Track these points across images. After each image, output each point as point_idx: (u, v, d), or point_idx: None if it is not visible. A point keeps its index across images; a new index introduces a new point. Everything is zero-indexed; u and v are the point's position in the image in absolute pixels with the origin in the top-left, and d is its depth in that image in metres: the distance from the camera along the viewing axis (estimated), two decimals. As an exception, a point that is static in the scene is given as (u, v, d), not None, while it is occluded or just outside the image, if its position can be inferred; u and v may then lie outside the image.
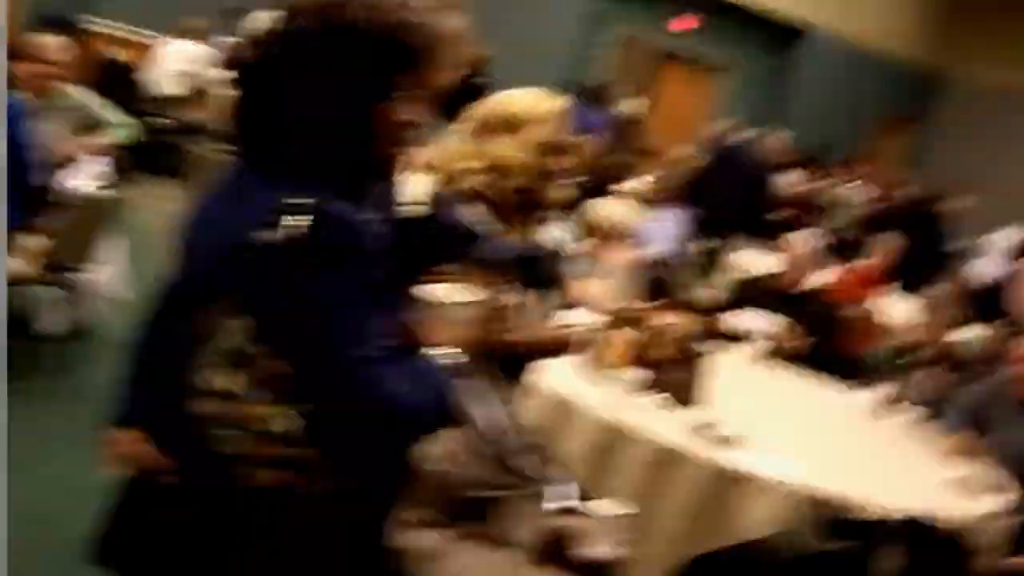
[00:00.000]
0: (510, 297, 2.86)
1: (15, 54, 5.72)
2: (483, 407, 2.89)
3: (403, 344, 2.19)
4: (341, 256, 2.02)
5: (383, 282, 2.10)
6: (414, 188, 3.43)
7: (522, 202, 3.42)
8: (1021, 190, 16.76)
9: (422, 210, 3.03)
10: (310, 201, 2.01)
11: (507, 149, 3.36)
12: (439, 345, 2.30)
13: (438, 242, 2.72)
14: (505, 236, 3.14)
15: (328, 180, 2.12)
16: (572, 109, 3.48)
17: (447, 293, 2.45)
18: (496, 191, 3.36)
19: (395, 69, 2.13)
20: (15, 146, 5.51)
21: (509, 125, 3.40)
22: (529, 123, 3.38)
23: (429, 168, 3.51)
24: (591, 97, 15.12)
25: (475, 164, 3.39)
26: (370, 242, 2.07)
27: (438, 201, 3.26)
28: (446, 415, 2.22)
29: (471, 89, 10.64)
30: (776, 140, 12.11)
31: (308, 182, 2.07)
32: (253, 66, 2.14)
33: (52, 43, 6.26)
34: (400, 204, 2.68)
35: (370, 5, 2.12)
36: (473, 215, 3.20)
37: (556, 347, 3.36)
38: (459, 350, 2.33)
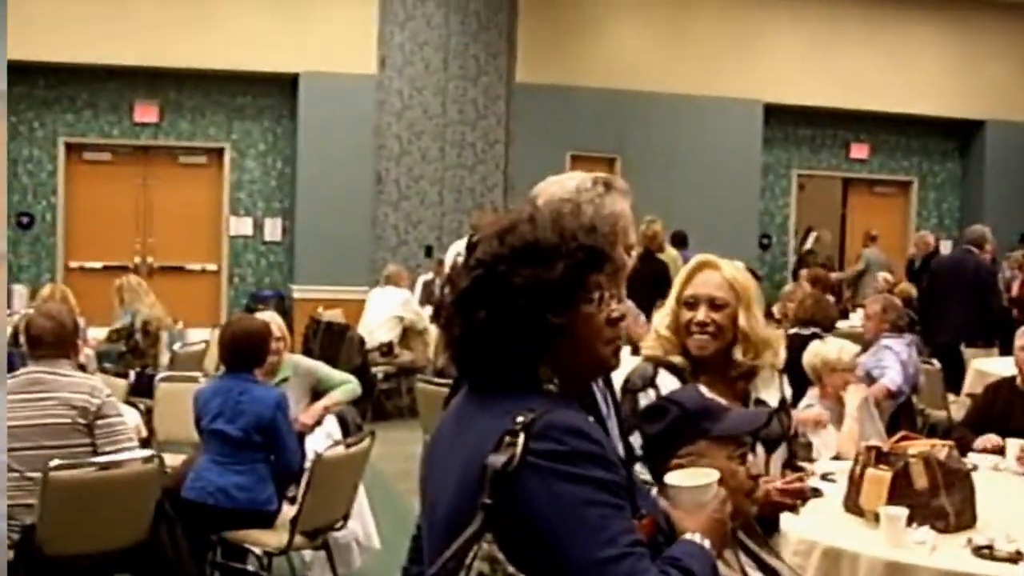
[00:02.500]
0: (753, 465, 2.85)
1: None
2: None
3: (656, 536, 2.20)
4: (567, 463, 2.06)
5: (620, 480, 2.13)
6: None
7: (724, 363, 3.47)
8: None
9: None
10: (527, 417, 2.08)
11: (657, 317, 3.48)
12: (689, 531, 2.30)
13: (677, 421, 2.75)
14: (726, 403, 3.15)
15: (547, 392, 2.20)
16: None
17: (683, 478, 2.45)
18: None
19: (586, 271, 2.20)
20: (278, 433, 5.85)
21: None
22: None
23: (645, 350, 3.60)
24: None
25: (669, 335, 3.50)
26: (592, 443, 2.11)
27: (630, 385, 3.34)
28: None
29: (655, 267, 10.76)
30: (987, 240, 11.84)
31: (529, 398, 2.15)
32: (453, 301, 2.23)
33: (272, 319, 6.64)
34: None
35: (548, 219, 2.22)
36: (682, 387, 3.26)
37: (803, 499, 3.33)
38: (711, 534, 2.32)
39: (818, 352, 6.49)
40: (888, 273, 14.97)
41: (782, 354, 3.61)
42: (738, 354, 3.47)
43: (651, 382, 3.36)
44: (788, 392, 3.60)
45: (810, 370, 6.46)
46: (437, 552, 2.11)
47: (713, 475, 2.44)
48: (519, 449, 2.05)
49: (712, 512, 2.36)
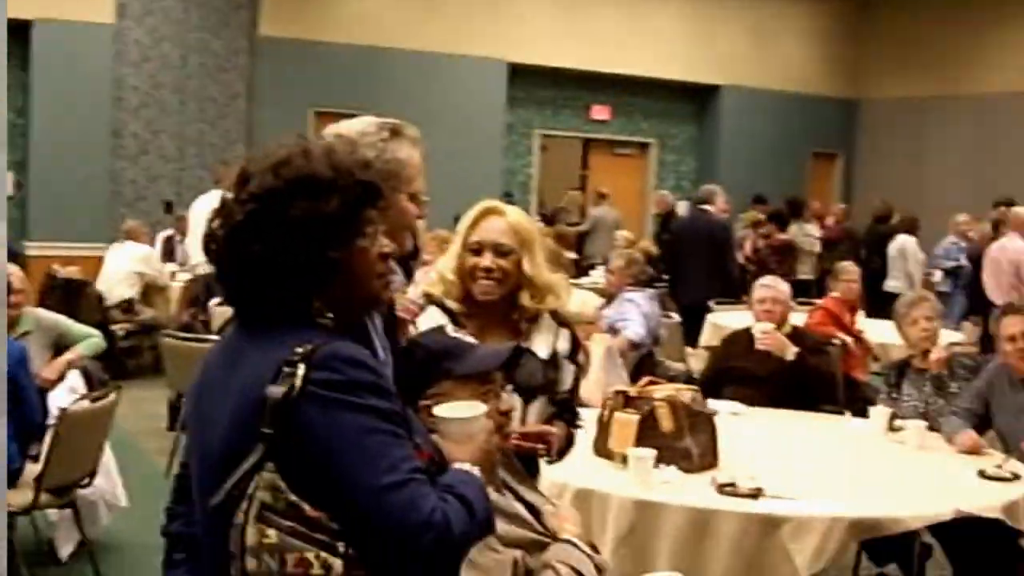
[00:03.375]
0: (508, 401, 2.91)
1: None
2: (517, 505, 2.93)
3: (429, 466, 2.23)
4: (347, 392, 2.09)
5: (398, 409, 2.16)
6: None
7: (502, 310, 3.52)
8: (941, 190, 17.44)
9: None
10: (306, 348, 2.09)
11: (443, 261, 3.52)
12: (459, 460, 2.35)
13: (422, 364, 2.79)
14: (481, 344, 3.20)
15: (321, 325, 2.21)
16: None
17: (452, 410, 2.50)
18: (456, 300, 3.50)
19: (361, 205, 2.22)
20: (18, 388, 5.62)
21: (443, 240, 3.56)
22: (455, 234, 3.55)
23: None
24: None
25: (454, 279, 3.55)
26: (371, 373, 2.14)
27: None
28: (486, 522, 2.26)
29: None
30: (721, 198, 12.29)
31: (304, 331, 2.16)
32: (226, 235, 2.21)
33: (11, 272, 6.40)
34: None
35: (322, 153, 2.22)
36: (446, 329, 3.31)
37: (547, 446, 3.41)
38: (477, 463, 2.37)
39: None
40: (624, 231, 15.40)
41: (564, 298, 3.67)
42: (524, 299, 3.52)
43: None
44: (564, 346, 3.64)
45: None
46: (213, 485, 2.10)
47: (479, 407, 2.49)
48: (299, 380, 2.06)
49: (480, 443, 2.42)
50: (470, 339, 3.19)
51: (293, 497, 2.05)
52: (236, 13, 15.90)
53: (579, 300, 6.74)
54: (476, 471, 2.31)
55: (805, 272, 12.49)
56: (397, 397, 2.18)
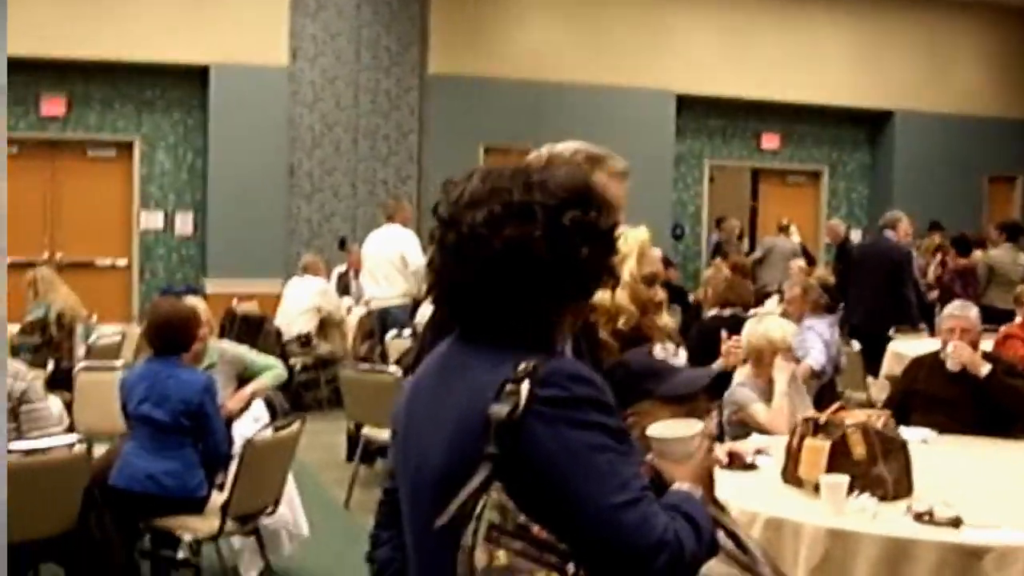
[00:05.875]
0: (709, 425, 2.84)
1: (167, 326, 5.94)
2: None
3: (652, 484, 2.18)
4: (573, 409, 2.04)
5: (623, 426, 2.12)
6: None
7: (631, 338, 3.43)
8: None
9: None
10: (528, 365, 2.05)
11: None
12: (679, 480, 2.29)
13: (621, 384, 2.73)
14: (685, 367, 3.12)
15: (544, 340, 2.16)
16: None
17: (668, 428, 2.43)
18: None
19: (585, 212, 2.17)
20: (206, 418, 5.73)
21: None
22: (620, 262, 3.43)
23: None
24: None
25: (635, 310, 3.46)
26: (595, 389, 2.09)
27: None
28: (712, 544, 2.20)
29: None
30: (905, 224, 12.01)
31: (525, 348, 2.11)
32: (454, 243, 2.15)
33: (197, 305, 6.54)
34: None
35: (559, 163, 2.20)
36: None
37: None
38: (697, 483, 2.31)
39: (764, 333, 6.43)
40: (801, 260, 15.14)
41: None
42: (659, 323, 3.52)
43: None
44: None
45: (753, 350, 6.43)
46: (433, 506, 2.07)
47: (697, 425, 2.42)
48: (523, 397, 2.02)
49: (699, 461, 2.35)
50: (676, 361, 3.12)
51: (522, 518, 2.02)
52: (406, 52, 16.12)
53: (778, 325, 6.57)
54: (698, 491, 2.25)
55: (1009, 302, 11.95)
56: (619, 413, 2.13)
